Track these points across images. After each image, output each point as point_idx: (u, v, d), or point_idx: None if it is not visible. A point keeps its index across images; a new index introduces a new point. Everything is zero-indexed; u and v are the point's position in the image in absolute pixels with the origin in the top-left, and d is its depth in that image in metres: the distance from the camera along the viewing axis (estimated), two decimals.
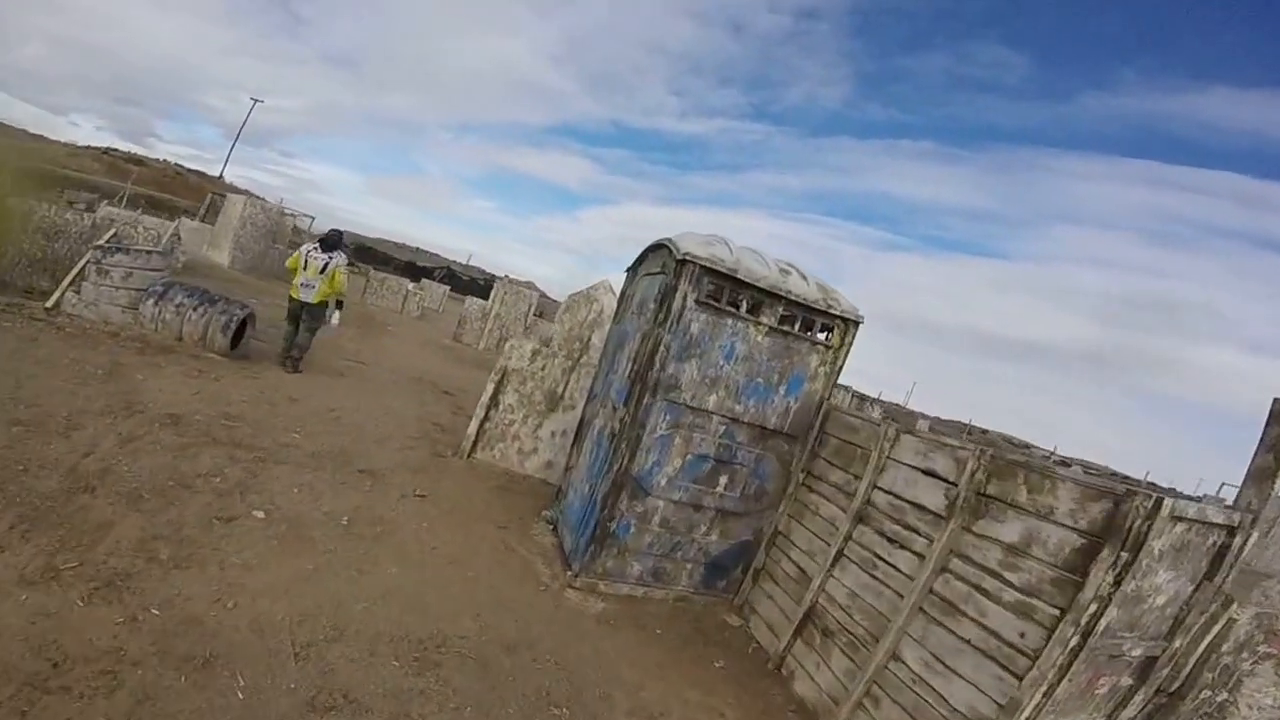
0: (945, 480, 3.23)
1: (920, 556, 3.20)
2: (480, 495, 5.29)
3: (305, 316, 7.28)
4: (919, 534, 3.27)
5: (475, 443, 6.14)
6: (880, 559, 3.47)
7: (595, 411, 5.05)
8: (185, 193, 31.96)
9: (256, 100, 39.34)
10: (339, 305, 7.43)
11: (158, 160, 40.61)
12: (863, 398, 28.93)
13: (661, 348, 4.01)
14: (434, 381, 9.84)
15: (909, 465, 3.51)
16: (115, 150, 38.16)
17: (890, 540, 3.45)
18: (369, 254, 40.66)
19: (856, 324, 4.42)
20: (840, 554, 3.75)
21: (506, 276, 19.12)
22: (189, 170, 40.61)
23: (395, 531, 4.07)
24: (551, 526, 5.06)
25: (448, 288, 28.86)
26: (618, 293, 5.62)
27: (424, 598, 3.39)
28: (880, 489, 3.66)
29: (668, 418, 4.12)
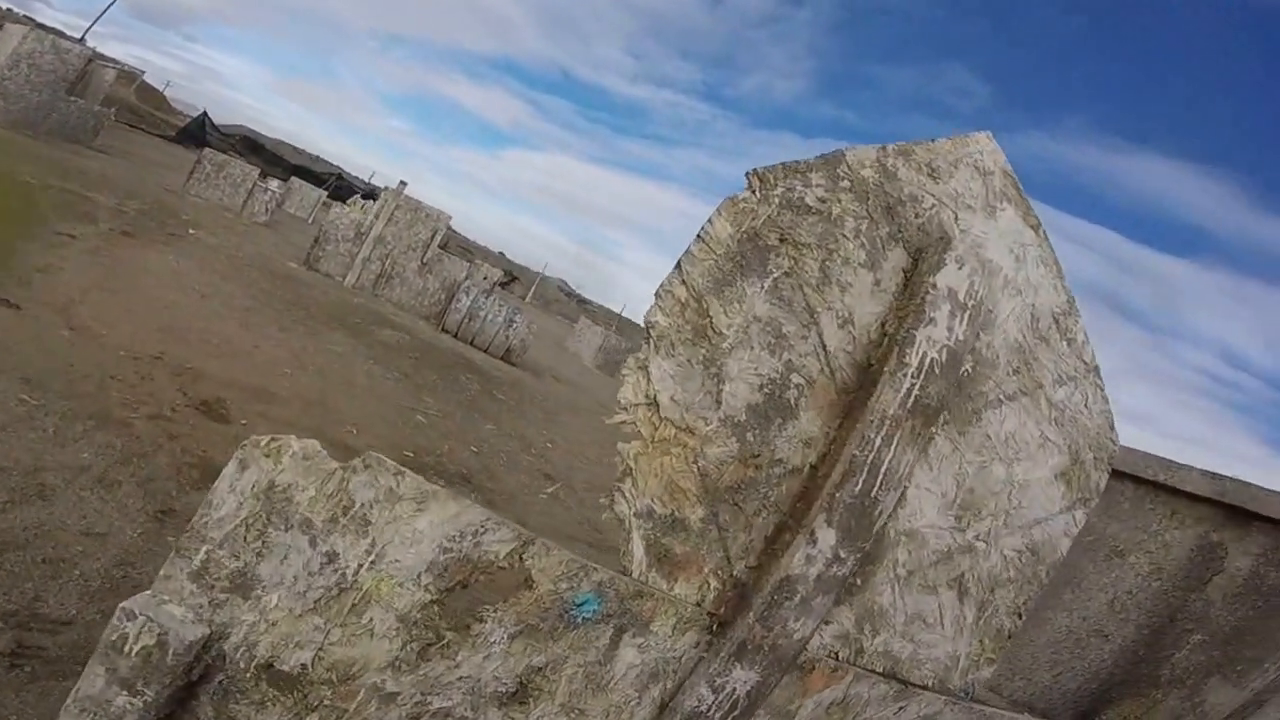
0: None
1: None
2: None
3: None
4: None
5: None
6: None
7: None
8: None
9: None
10: None
11: None
12: None
13: None
14: (169, 396, 4.58)
15: None
16: None
17: None
18: (259, 152, 35.59)
19: None
20: None
21: (402, 184, 12.25)
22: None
23: None
24: None
25: (324, 194, 24.30)
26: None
27: None
28: None
29: None
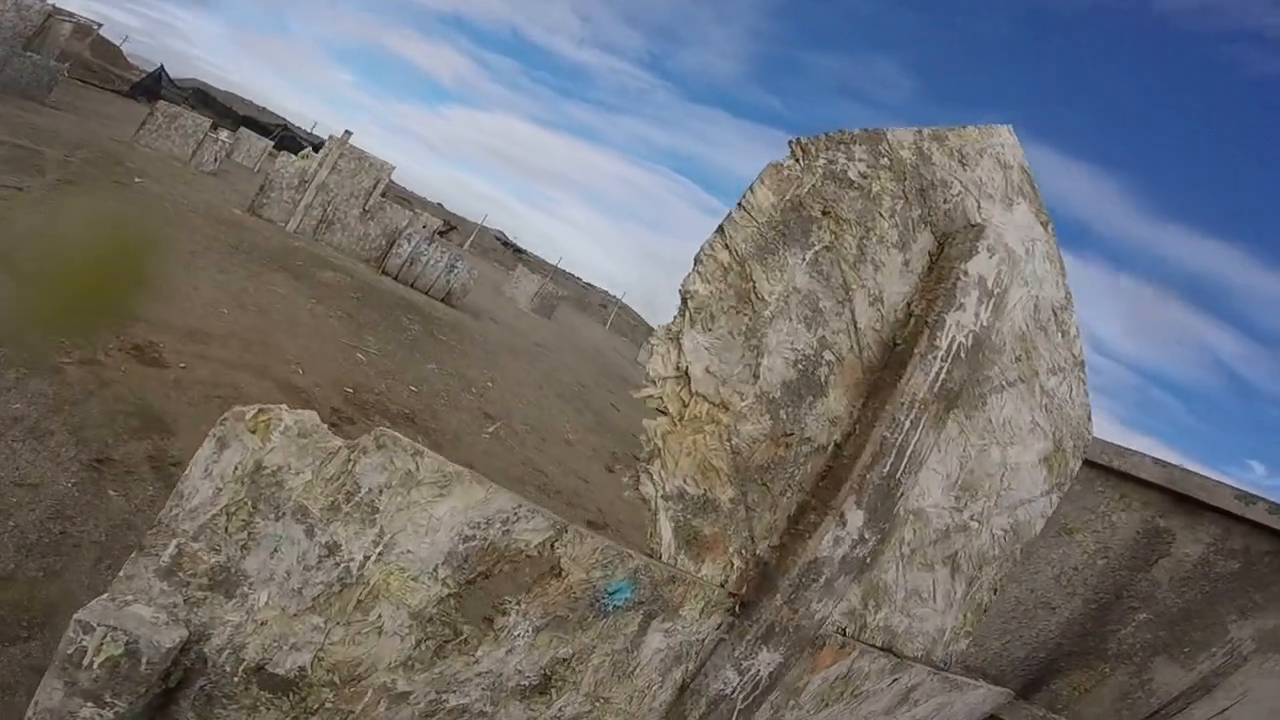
0: None
1: None
2: None
3: None
4: None
5: None
6: None
7: None
8: None
9: None
10: None
11: None
12: None
13: None
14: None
15: None
16: None
17: None
18: (210, 104, 36.34)
19: None
20: None
21: (347, 134, 12.20)
22: None
23: None
24: None
25: (270, 144, 24.66)
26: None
27: None
28: None
29: None
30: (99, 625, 1.11)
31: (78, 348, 3.96)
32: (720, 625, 1.65)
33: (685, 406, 1.60)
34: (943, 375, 1.71)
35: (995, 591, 1.99)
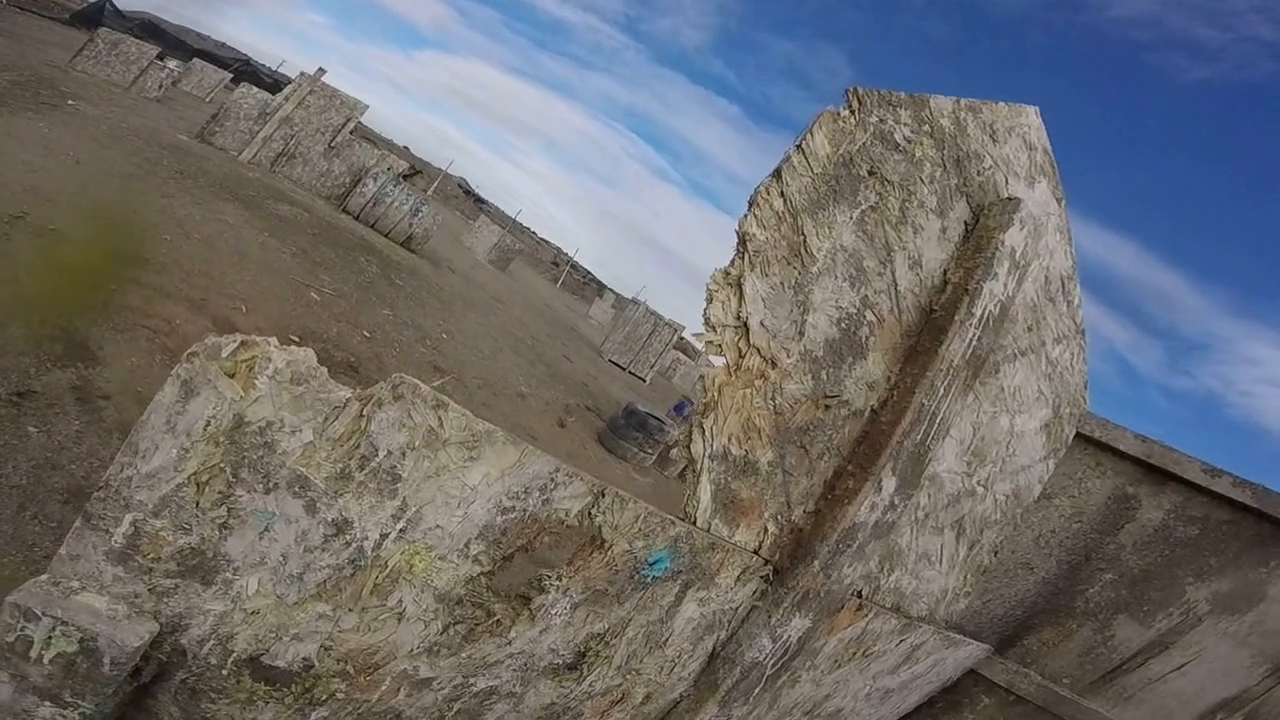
0: None
1: None
2: None
3: None
4: None
5: None
6: None
7: None
8: None
9: None
10: None
11: None
12: None
13: None
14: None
15: None
16: None
17: None
18: (159, 36, 32.64)
19: None
20: None
21: (320, 71, 11.70)
22: None
23: None
24: None
25: (228, 76, 23.45)
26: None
27: None
28: None
29: None
30: (44, 615, 0.86)
31: None
32: (755, 593, 1.57)
33: (741, 357, 1.49)
34: (974, 343, 1.69)
35: (995, 553, 2.05)
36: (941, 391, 1.66)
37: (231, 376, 1.02)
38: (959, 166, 1.76)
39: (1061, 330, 2.00)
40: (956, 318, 1.66)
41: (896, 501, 1.66)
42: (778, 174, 1.48)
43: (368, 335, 6.05)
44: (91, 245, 4.19)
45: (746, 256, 1.44)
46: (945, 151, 1.73)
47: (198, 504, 1.00)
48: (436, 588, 1.16)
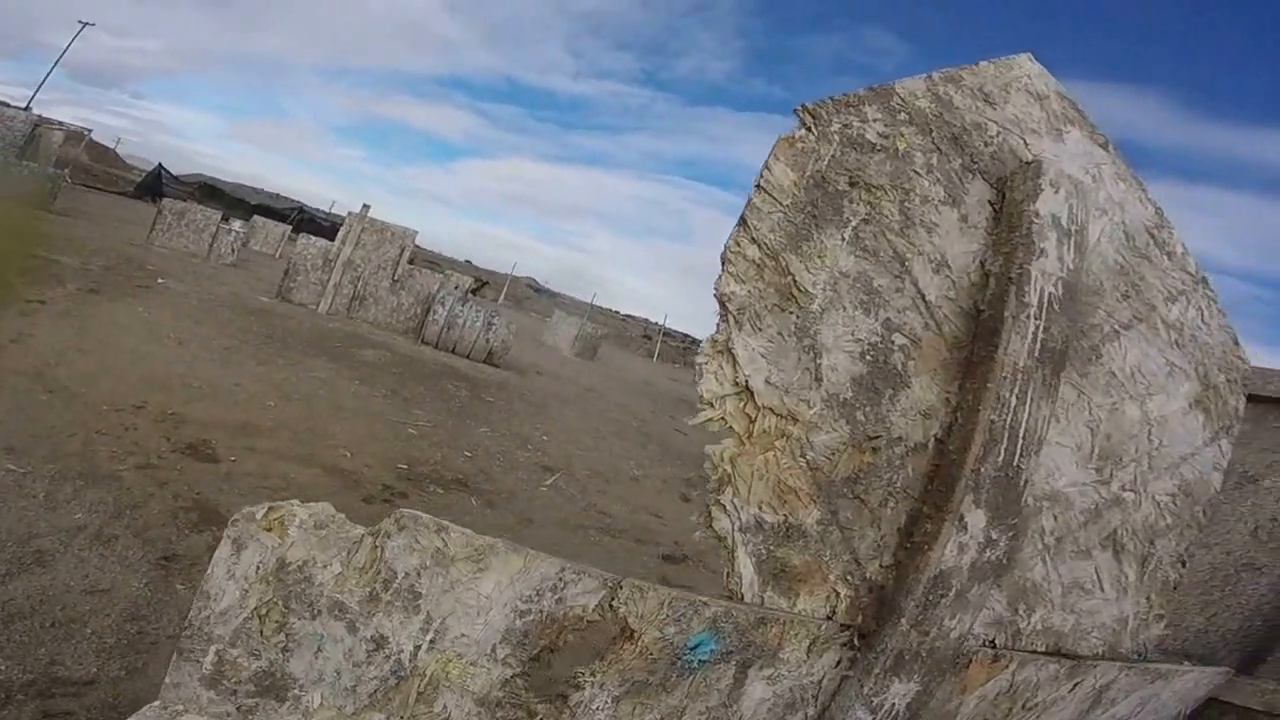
0: None
1: None
2: None
3: None
4: None
5: None
6: None
7: None
8: None
9: (85, 24, 30.92)
10: None
11: None
12: None
13: None
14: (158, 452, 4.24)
15: None
16: None
17: None
18: (218, 196, 35.83)
19: None
20: None
21: (365, 207, 12.33)
22: None
23: None
24: None
25: (289, 228, 24.77)
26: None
27: None
28: None
29: None
30: None
31: (130, 454, 4.17)
32: (839, 662, 1.41)
33: (752, 423, 1.42)
34: (1041, 335, 1.46)
35: (1183, 564, 1.65)
36: (1014, 401, 1.44)
37: (269, 530, 1.22)
38: (957, 144, 1.59)
39: (1172, 286, 1.66)
40: (1006, 313, 1.46)
41: (995, 535, 1.43)
42: (743, 221, 1.46)
43: (469, 454, 6.39)
44: (205, 422, 4.90)
45: (730, 318, 1.41)
46: (934, 134, 1.58)
47: (262, 632, 1.18)
48: (474, 692, 1.22)
